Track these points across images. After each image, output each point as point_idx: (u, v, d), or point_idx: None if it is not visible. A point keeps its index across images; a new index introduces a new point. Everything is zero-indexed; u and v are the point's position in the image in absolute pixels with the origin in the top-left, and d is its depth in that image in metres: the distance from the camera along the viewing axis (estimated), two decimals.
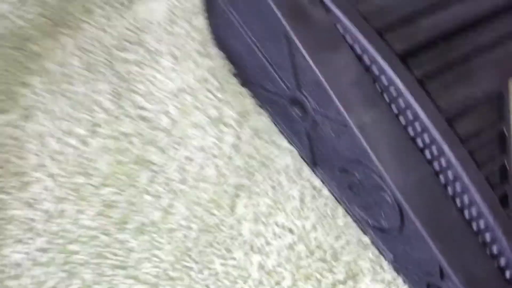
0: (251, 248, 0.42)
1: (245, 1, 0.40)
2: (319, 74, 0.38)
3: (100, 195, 0.41)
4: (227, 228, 0.42)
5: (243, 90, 0.47)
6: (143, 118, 0.44)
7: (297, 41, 0.37)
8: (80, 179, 0.40)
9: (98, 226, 0.40)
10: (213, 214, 0.43)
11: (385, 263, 0.44)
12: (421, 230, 0.38)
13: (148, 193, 0.42)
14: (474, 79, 0.45)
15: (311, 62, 0.37)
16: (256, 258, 0.42)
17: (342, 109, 0.38)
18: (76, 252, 0.39)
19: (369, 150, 0.38)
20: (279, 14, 0.37)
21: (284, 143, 0.46)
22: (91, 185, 0.41)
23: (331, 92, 0.38)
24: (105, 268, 0.39)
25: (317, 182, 0.46)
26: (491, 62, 0.46)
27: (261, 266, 0.42)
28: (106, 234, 0.40)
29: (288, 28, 0.37)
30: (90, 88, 0.44)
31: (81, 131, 0.42)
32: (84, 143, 0.42)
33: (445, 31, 0.43)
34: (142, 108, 0.45)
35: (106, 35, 0.46)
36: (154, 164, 0.43)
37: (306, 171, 0.46)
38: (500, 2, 0.45)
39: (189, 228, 0.42)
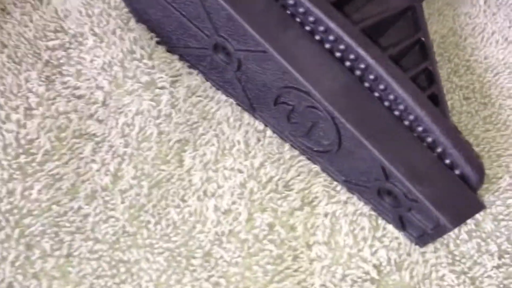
0: (204, 193, 0.47)
1: None
2: (228, 8, 0.43)
3: (46, 170, 0.45)
4: (177, 180, 0.47)
5: (171, 56, 0.52)
6: (78, 96, 0.49)
7: None
8: (24, 159, 0.45)
9: (49, 198, 0.44)
10: (162, 170, 0.47)
11: (338, 186, 0.49)
12: (356, 134, 0.43)
13: (94, 162, 0.46)
14: None
15: None
16: (210, 202, 0.46)
17: (257, 36, 0.43)
18: (31, 225, 0.43)
19: (291, 70, 0.43)
20: None
21: (221, 96, 0.52)
22: (36, 162, 0.45)
23: (243, 23, 0.43)
24: (63, 235, 0.43)
25: (260, 125, 0.51)
26: None
27: (217, 208, 0.46)
28: (58, 205, 0.44)
29: None
30: (21, 78, 0.49)
31: (17, 116, 0.46)
32: (22, 126, 0.46)
33: None
34: (75, 87, 0.49)
35: (29, 30, 0.51)
36: (95, 135, 0.48)
37: (247, 117, 0.51)
38: None
39: (140, 186, 0.46)
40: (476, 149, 0.51)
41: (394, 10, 0.50)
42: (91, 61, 0.51)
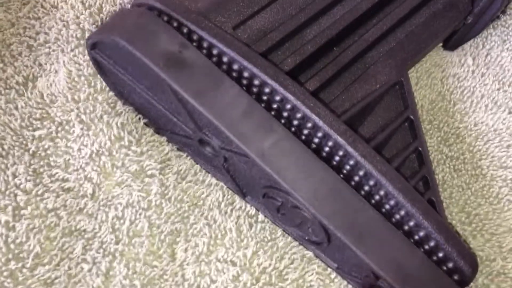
0: None
1: (127, 60, 0.44)
2: (208, 115, 0.42)
3: (36, 276, 0.44)
4: (170, 276, 0.46)
5: (159, 137, 0.51)
6: (66, 190, 0.48)
7: (179, 90, 0.41)
8: (14, 265, 0.44)
9: None
10: (154, 266, 0.46)
11: (332, 274, 0.48)
12: (343, 238, 0.42)
13: (85, 261, 0.46)
14: (371, 74, 0.50)
15: (197, 105, 0.41)
16: None
17: (239, 143, 0.42)
18: None
19: (274, 175, 0.42)
20: (156, 69, 0.41)
21: (211, 180, 0.51)
22: (26, 267, 0.44)
23: (224, 129, 0.42)
24: None
25: (252, 209, 0.50)
26: (384, 53, 0.51)
27: None
28: None
29: (168, 80, 0.41)
30: (8, 173, 0.47)
31: (6, 217, 0.45)
32: (11, 228, 0.45)
33: (332, 35, 0.48)
34: (63, 180, 0.48)
35: (14, 119, 0.50)
36: (85, 231, 0.47)
37: (238, 201, 0.50)
38: None
39: (133, 286, 0.45)
40: (468, 228, 0.50)
41: (382, 89, 0.49)
42: (79, 150, 0.50)
